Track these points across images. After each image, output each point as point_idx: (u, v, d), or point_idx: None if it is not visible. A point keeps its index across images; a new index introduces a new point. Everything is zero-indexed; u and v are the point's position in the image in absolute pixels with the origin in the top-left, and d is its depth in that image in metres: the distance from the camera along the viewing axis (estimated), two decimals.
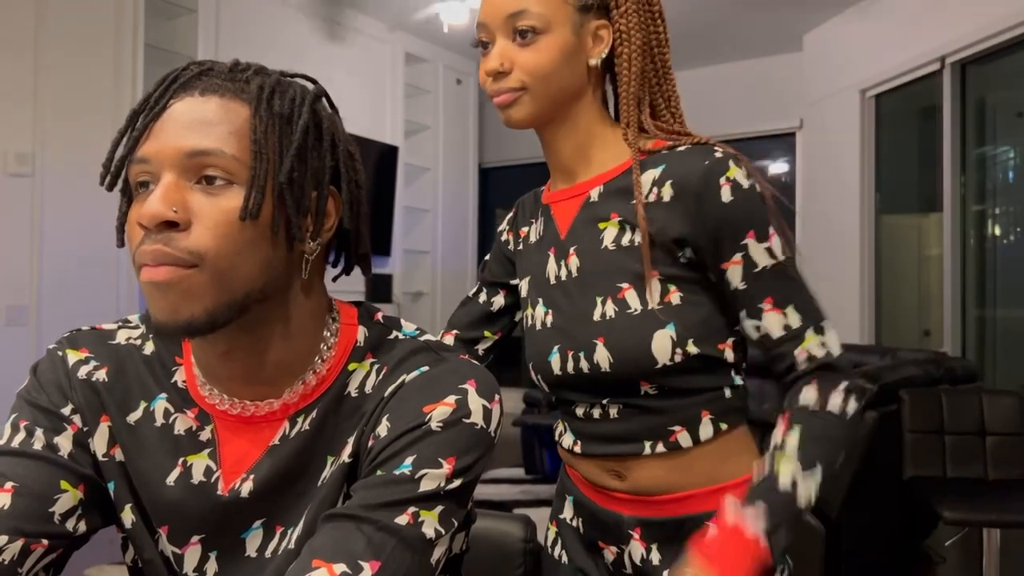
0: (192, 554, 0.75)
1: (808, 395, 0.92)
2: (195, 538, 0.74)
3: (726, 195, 0.91)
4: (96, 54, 3.30)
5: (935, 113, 3.99)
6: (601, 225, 0.99)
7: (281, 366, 0.74)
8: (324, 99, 0.78)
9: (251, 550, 0.74)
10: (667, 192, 0.94)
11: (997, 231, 3.94)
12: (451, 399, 0.71)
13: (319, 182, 0.73)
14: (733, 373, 0.98)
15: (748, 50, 5.32)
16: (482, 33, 0.98)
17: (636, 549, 0.99)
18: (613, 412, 0.98)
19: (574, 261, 1.00)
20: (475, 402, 0.71)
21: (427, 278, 5.34)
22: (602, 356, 0.95)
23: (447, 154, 5.48)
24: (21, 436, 0.74)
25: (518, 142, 6.74)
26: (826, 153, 4.89)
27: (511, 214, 1.18)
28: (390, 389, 0.73)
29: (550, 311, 1.03)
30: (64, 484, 0.72)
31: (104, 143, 0.71)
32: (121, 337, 0.80)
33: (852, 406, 0.92)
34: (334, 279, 0.82)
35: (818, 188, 4.98)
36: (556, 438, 1.09)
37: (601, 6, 0.98)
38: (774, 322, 0.92)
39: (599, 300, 0.97)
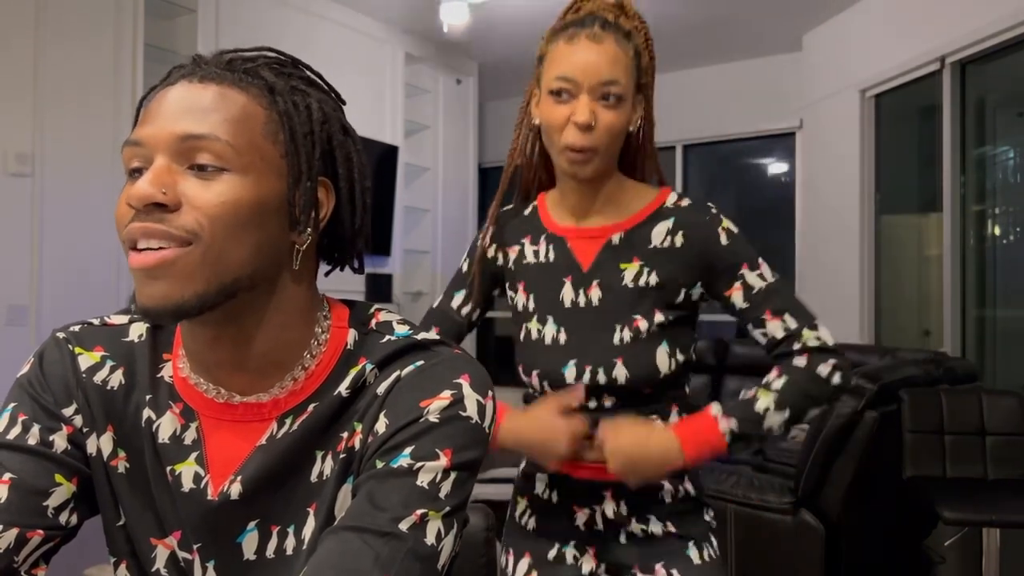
0: (194, 565, 0.75)
1: (800, 360, 1.18)
2: (194, 547, 0.74)
3: (724, 239, 1.20)
4: (96, 54, 3.30)
5: (935, 113, 3.99)
6: (622, 265, 1.23)
7: (268, 357, 0.73)
8: (321, 84, 0.77)
9: (249, 553, 0.73)
10: (679, 240, 1.21)
11: (997, 231, 3.94)
12: (447, 393, 0.71)
13: (309, 169, 0.72)
14: (689, 375, 1.27)
15: (748, 50, 5.32)
16: (566, 85, 1.16)
17: (609, 506, 1.24)
18: (608, 404, 1.22)
19: (595, 292, 1.23)
20: (470, 396, 0.71)
21: (427, 278, 5.34)
22: (620, 372, 1.19)
23: (447, 154, 5.48)
24: (17, 430, 0.73)
25: None
26: (826, 153, 4.89)
27: (490, 230, 1.35)
28: (385, 385, 0.73)
29: (563, 330, 1.24)
30: (59, 477, 0.73)
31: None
32: (134, 334, 0.80)
33: (836, 378, 1.17)
34: (326, 274, 0.81)
35: (818, 188, 4.98)
36: None
37: (641, 85, 1.22)
38: (776, 327, 1.19)
39: (617, 327, 1.21)
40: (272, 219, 0.69)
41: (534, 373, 1.26)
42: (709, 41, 5.10)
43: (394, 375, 0.73)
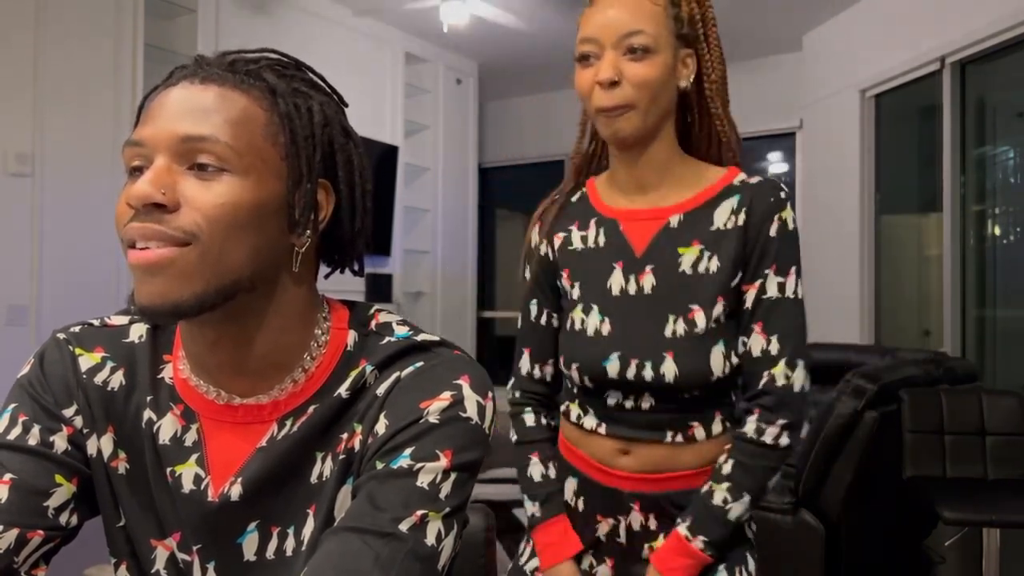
0: (193, 566, 0.75)
1: (750, 425, 1.11)
2: (194, 548, 0.74)
3: (773, 230, 1.10)
4: (96, 54, 3.30)
5: (935, 113, 3.99)
6: (681, 250, 1.12)
7: (268, 359, 0.73)
8: (323, 87, 0.77)
9: (249, 555, 0.73)
10: (741, 218, 1.11)
11: (997, 231, 3.94)
12: (447, 394, 0.71)
13: (309, 172, 0.72)
14: (739, 381, 1.16)
15: (748, 50, 5.32)
16: (590, 47, 1.10)
17: (635, 519, 1.16)
18: (646, 406, 1.13)
19: (648, 279, 1.13)
20: (470, 397, 0.71)
21: (427, 278, 5.34)
22: (669, 368, 1.09)
23: (447, 154, 5.48)
24: (18, 431, 0.73)
25: (518, 142, 6.75)
26: (826, 153, 4.89)
27: (536, 227, 1.26)
28: (385, 386, 0.73)
29: (607, 320, 1.14)
30: (59, 478, 0.73)
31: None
32: (134, 335, 0.80)
33: (784, 440, 1.10)
34: (326, 276, 0.81)
35: (818, 188, 4.98)
36: (571, 419, 1.21)
37: (690, 38, 1.12)
38: (757, 343, 1.10)
39: (671, 318, 1.10)
40: (271, 221, 0.69)
41: (574, 366, 1.16)
42: None
43: (394, 376, 0.73)
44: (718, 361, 1.09)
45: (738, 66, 5.58)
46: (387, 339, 0.76)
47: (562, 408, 1.24)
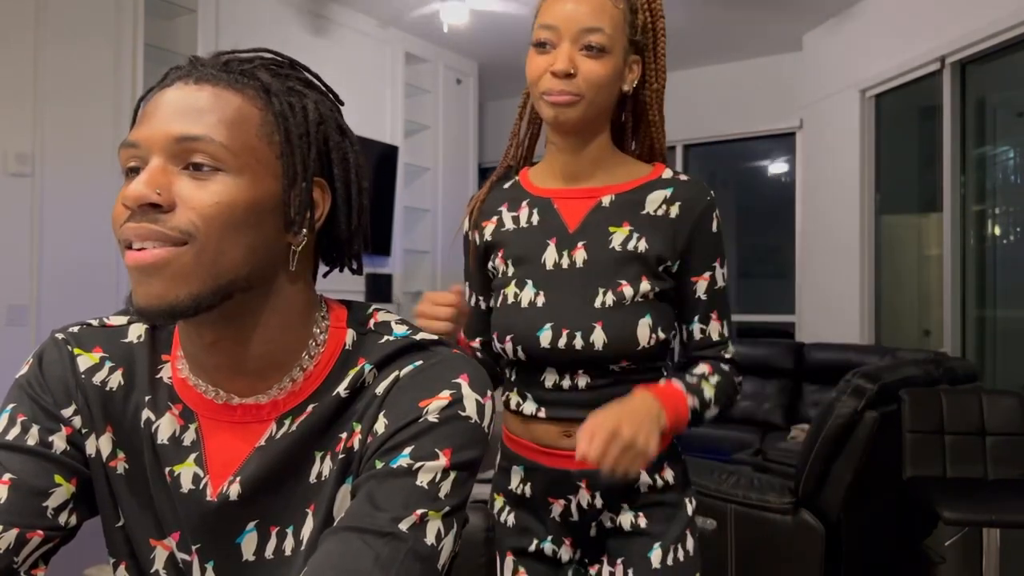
0: (193, 566, 0.75)
1: (725, 366, 1.23)
2: (193, 548, 0.74)
3: (715, 226, 1.20)
4: (96, 54, 3.30)
5: (935, 113, 3.99)
6: (612, 228, 1.19)
7: (266, 359, 0.73)
8: (318, 85, 0.77)
9: (248, 554, 0.73)
10: (674, 210, 1.19)
11: (997, 231, 3.94)
12: (446, 393, 0.71)
13: (305, 170, 0.72)
14: (668, 360, 1.25)
15: (748, 50, 5.32)
16: (548, 34, 1.14)
17: (584, 497, 1.21)
18: (581, 384, 1.18)
19: (580, 254, 1.19)
20: (469, 396, 0.71)
21: (427, 278, 5.34)
22: (598, 337, 1.15)
23: (447, 154, 5.48)
24: (16, 431, 0.73)
25: None
26: (826, 153, 4.88)
27: (469, 216, 1.32)
28: (384, 385, 0.72)
29: (541, 293, 1.20)
30: (58, 478, 0.73)
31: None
32: (133, 335, 0.80)
33: (738, 396, 1.24)
34: (325, 275, 0.81)
35: (818, 188, 4.98)
36: (511, 408, 1.25)
37: (640, 45, 1.19)
38: (715, 329, 1.23)
39: (601, 290, 1.17)
40: (267, 220, 0.69)
41: (508, 338, 1.20)
42: (709, 41, 5.10)
43: (393, 375, 0.73)
44: (644, 332, 1.16)
45: (738, 66, 5.61)
46: (386, 338, 0.76)
47: (501, 399, 1.26)
